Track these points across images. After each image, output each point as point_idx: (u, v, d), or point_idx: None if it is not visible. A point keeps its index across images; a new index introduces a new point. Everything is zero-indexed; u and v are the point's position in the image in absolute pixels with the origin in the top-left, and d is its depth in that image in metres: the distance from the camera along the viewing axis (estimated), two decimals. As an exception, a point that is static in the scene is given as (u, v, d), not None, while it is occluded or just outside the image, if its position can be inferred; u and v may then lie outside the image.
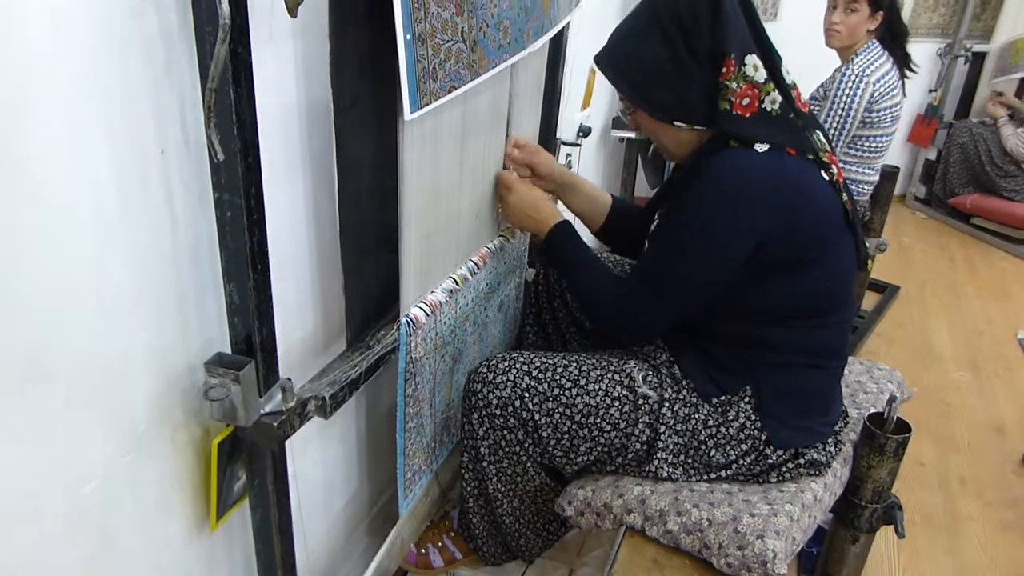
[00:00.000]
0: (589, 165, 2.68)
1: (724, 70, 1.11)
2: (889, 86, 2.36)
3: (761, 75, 1.11)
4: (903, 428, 1.28)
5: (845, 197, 1.19)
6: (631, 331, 1.28)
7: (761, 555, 1.12)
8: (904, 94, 2.43)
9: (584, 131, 2.36)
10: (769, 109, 1.13)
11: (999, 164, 3.85)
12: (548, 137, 1.74)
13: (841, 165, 1.80)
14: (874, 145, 2.44)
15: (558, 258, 1.38)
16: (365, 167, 1.11)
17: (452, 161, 1.22)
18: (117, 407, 0.86)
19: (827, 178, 1.16)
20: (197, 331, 0.95)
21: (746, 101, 1.12)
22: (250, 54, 0.80)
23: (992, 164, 3.88)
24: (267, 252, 0.90)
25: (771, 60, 1.13)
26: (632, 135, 2.75)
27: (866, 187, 2.52)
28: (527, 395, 1.27)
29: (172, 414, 0.94)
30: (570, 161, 2.25)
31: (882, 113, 2.38)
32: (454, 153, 1.22)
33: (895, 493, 1.36)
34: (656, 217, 1.35)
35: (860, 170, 2.49)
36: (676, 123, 1.18)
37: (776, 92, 1.13)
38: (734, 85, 1.11)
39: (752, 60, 1.11)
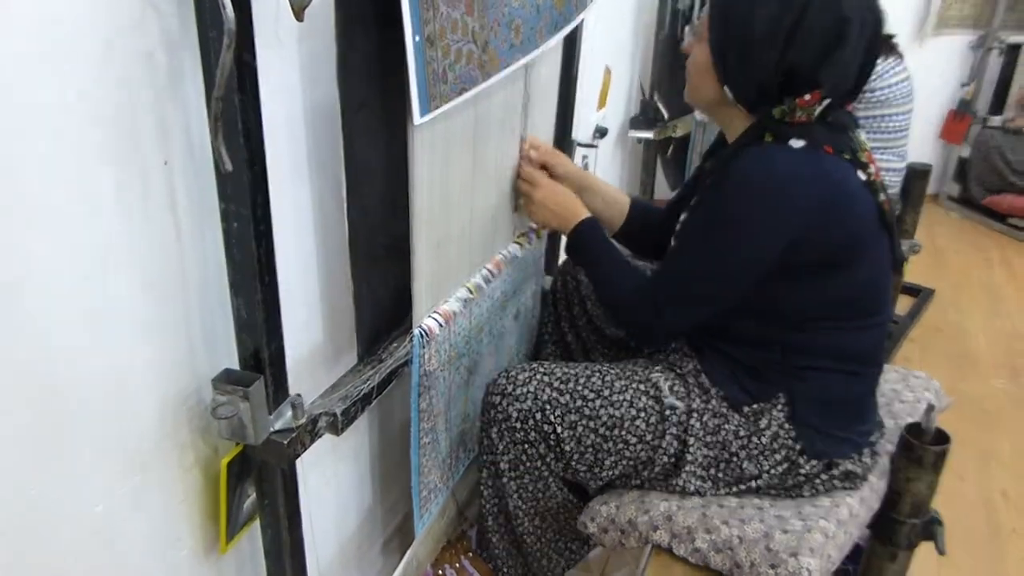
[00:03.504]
0: (606, 167, 2.67)
1: (806, 96, 1.10)
2: (891, 64, 2.35)
3: (822, 107, 1.11)
4: (942, 439, 1.26)
5: (882, 197, 1.18)
6: (655, 330, 1.28)
7: (795, 574, 1.10)
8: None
9: (600, 132, 2.36)
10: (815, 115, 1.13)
11: (1019, 170, 3.84)
12: (563, 139, 1.74)
13: None
14: (891, 125, 2.42)
15: (582, 254, 1.39)
16: (374, 173, 1.11)
17: (464, 166, 1.22)
18: (122, 427, 0.87)
19: (864, 177, 1.15)
20: (203, 347, 0.95)
21: (802, 117, 1.13)
22: (256, 60, 0.80)
23: (1012, 171, 3.86)
24: (275, 264, 0.90)
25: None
26: (650, 135, 2.75)
27: (895, 177, 2.50)
28: (548, 407, 1.27)
29: (179, 433, 0.95)
30: (586, 163, 2.25)
31: (889, 90, 2.36)
32: (466, 157, 1.22)
33: (934, 508, 1.34)
34: (682, 214, 1.34)
35: (884, 157, 2.47)
36: (726, 88, 1.17)
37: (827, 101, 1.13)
38: (800, 114, 1.12)
39: (831, 102, 1.11)
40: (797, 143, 1.12)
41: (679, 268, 1.23)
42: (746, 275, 1.17)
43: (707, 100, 1.22)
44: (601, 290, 1.37)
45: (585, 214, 1.40)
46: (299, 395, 0.99)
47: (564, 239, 1.47)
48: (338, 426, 1.05)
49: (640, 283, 1.29)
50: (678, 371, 1.30)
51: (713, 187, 1.18)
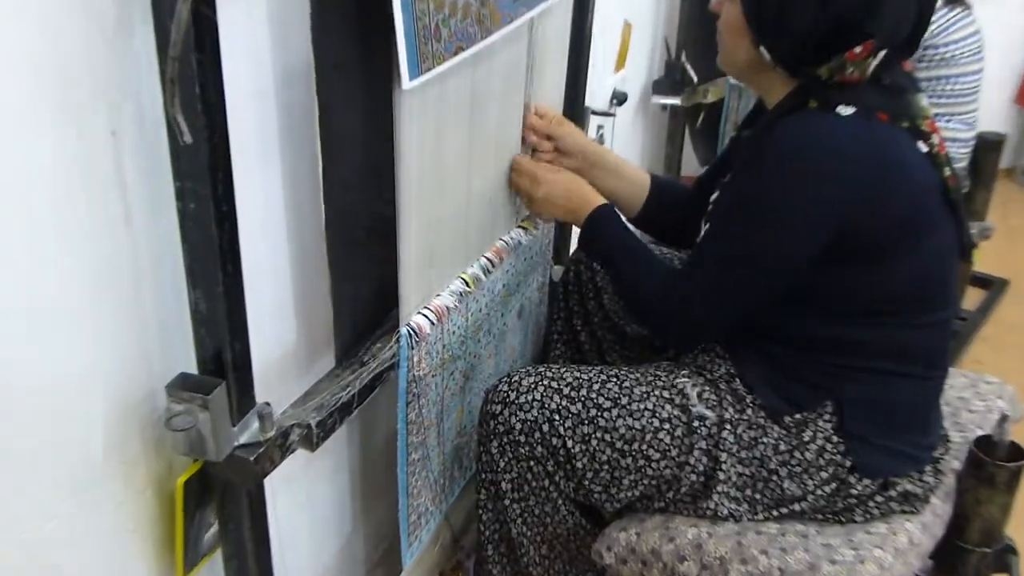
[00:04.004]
0: (625, 139, 2.67)
1: (857, 49, 1.10)
2: (957, 15, 2.34)
3: (877, 61, 1.12)
4: (1017, 454, 1.26)
5: (947, 172, 1.18)
6: (685, 331, 1.28)
7: (845, 611, 1.11)
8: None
9: (619, 98, 2.36)
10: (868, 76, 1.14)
11: None
12: (575, 106, 1.74)
13: None
14: (958, 87, 2.42)
15: (598, 247, 1.39)
16: (355, 146, 1.11)
17: (460, 137, 1.22)
18: (61, 441, 0.87)
19: (925, 149, 1.15)
20: (156, 348, 0.95)
21: (853, 74, 1.13)
22: (216, 14, 0.80)
23: None
24: (239, 250, 0.90)
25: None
26: (677, 101, 2.75)
27: (962, 148, 2.49)
28: (557, 418, 1.27)
29: (128, 448, 0.95)
30: (602, 134, 2.25)
31: (955, 46, 2.36)
32: (462, 127, 1.22)
33: (1008, 534, 1.34)
34: (714, 194, 1.35)
35: (950, 125, 2.46)
36: (762, 48, 1.17)
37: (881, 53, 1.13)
38: (851, 70, 1.12)
39: (885, 54, 1.11)
40: (846, 110, 1.12)
41: (711, 257, 1.23)
42: (789, 263, 1.17)
43: (742, 65, 1.22)
44: (621, 288, 1.37)
45: (598, 201, 1.40)
46: (267, 404, 0.99)
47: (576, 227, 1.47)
48: (313, 440, 1.05)
49: (666, 276, 1.29)
50: (708, 375, 1.30)
51: (749, 162, 1.18)
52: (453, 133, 1.19)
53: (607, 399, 1.28)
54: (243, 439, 0.97)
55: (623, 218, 1.42)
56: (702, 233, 1.29)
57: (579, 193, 1.42)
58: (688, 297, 1.24)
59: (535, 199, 1.43)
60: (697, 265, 1.25)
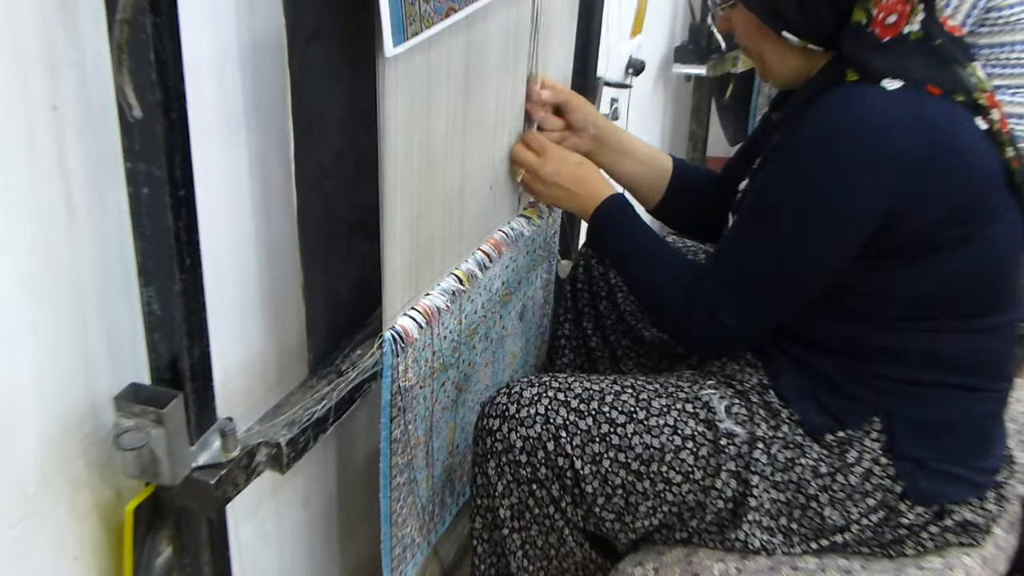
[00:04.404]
0: (643, 114, 2.67)
1: None
2: None
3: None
4: (1093, 477, 1.26)
5: (1010, 152, 1.18)
6: (712, 339, 1.29)
7: (894, 657, 1.11)
8: None
9: (635, 67, 2.36)
10: (907, 31, 1.13)
11: None
12: (586, 77, 1.74)
13: None
14: (1015, 57, 2.41)
15: (608, 244, 1.40)
16: (331, 124, 1.12)
17: (453, 113, 1.22)
18: (-3, 460, 0.87)
19: (984, 126, 1.15)
20: (102, 354, 0.95)
21: (892, 18, 1.13)
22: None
23: None
24: (198, 242, 0.90)
25: None
26: (702, 70, 2.75)
27: (1021, 125, 2.48)
28: (564, 434, 1.27)
29: (71, 469, 0.95)
30: (616, 109, 2.25)
31: (1021, 10, 2.35)
32: (455, 102, 1.22)
33: (1083, 569, 1.34)
34: (744, 180, 1.35)
35: (1015, 100, 2.46)
36: (785, 33, 1.18)
37: (920, 7, 1.13)
38: (889, 17, 1.12)
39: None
40: (892, 83, 1.12)
41: (741, 254, 1.23)
42: (829, 259, 1.17)
43: (790, 70, 1.24)
44: (637, 290, 1.37)
45: (609, 191, 1.40)
46: (230, 419, 0.99)
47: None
48: (283, 460, 1.05)
49: (688, 276, 1.29)
50: (738, 387, 1.30)
51: (783, 144, 1.18)
52: (445, 108, 1.19)
53: (621, 413, 1.28)
54: (202, 459, 0.97)
55: (638, 210, 1.42)
56: (729, 226, 1.29)
57: (589, 179, 1.42)
58: (714, 299, 1.24)
59: (540, 175, 1.43)
60: (724, 263, 1.25)
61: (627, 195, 1.49)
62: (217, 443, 0.99)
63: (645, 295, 1.35)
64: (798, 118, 1.16)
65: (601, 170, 1.56)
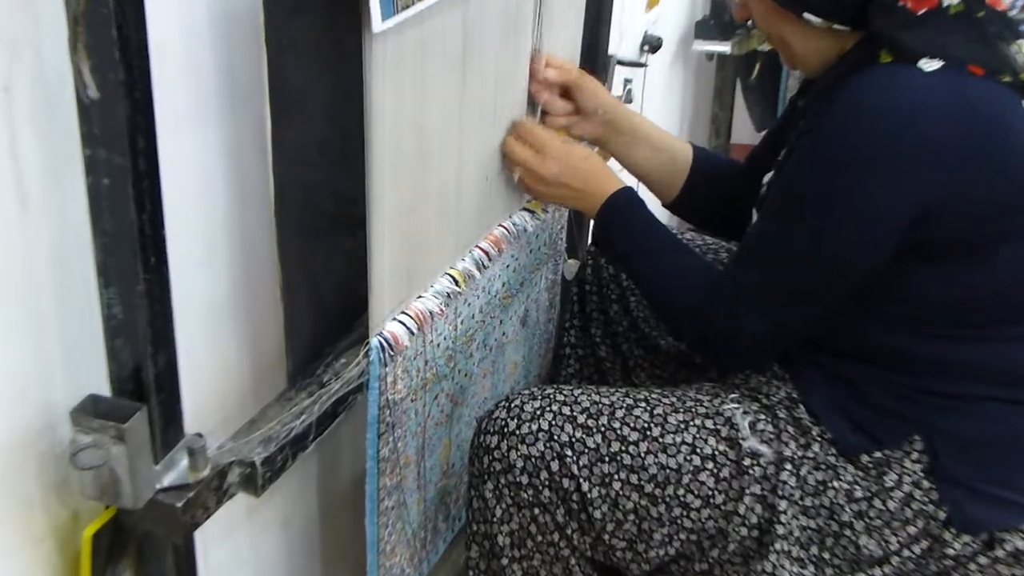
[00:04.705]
0: (660, 96, 2.67)
1: None
2: None
3: None
4: None
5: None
6: (734, 349, 1.29)
7: None
8: None
9: (651, 44, 2.36)
10: (945, 4, 1.13)
11: None
12: (596, 55, 1.74)
13: None
14: None
15: (617, 244, 1.39)
16: (314, 107, 1.12)
17: (448, 95, 1.22)
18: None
19: (1035, 111, 1.16)
20: (58, 363, 0.95)
21: None
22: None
23: None
24: (164, 239, 0.90)
25: None
26: (726, 48, 2.75)
27: None
28: (570, 453, 1.27)
29: (23, 490, 0.95)
30: (630, 91, 2.25)
31: None
32: (451, 82, 1.22)
33: None
34: (768, 173, 1.35)
35: None
36: (807, 15, 1.19)
37: None
38: None
39: None
40: (929, 64, 1.12)
41: (763, 252, 1.24)
42: (860, 257, 1.18)
43: (817, 55, 1.24)
44: (649, 294, 1.37)
45: (618, 184, 1.40)
46: (200, 435, 0.99)
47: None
48: (258, 482, 1.05)
49: (706, 278, 1.29)
50: (764, 401, 1.30)
51: (809, 131, 1.18)
52: (439, 89, 1.19)
53: (634, 430, 1.28)
54: (168, 480, 0.97)
55: (652, 206, 1.42)
56: (752, 223, 1.29)
57: (596, 178, 1.41)
58: (735, 303, 1.24)
59: (541, 178, 1.42)
60: (746, 263, 1.25)
61: (641, 189, 1.50)
62: (185, 462, 0.98)
63: (658, 301, 1.35)
64: (826, 103, 1.16)
65: (613, 160, 1.56)
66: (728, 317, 1.25)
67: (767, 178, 1.33)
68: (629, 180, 1.45)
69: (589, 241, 1.78)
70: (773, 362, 1.33)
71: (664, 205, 1.60)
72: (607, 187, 1.40)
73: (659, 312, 1.38)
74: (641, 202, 1.39)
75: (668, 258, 1.34)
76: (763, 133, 1.75)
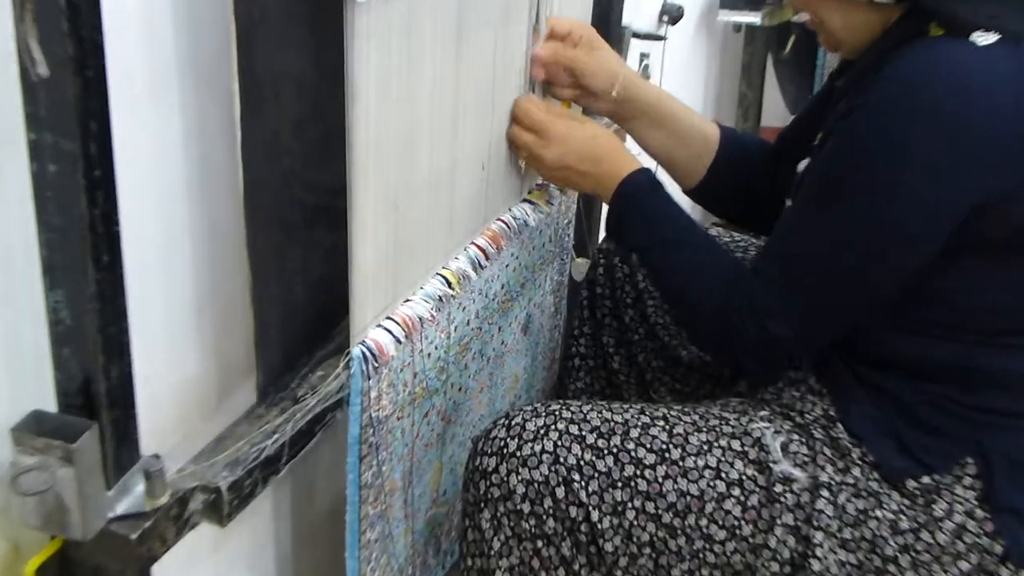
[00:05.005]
0: (681, 74, 2.67)
1: None
2: None
3: None
4: None
5: None
6: (759, 354, 1.29)
7: None
8: None
9: (671, 14, 2.36)
10: None
11: None
12: (608, 26, 1.74)
13: None
14: None
15: (632, 232, 1.40)
16: (288, 86, 1.12)
17: (440, 73, 1.22)
18: None
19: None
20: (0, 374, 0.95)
21: None
22: None
23: None
24: (119, 234, 0.90)
25: None
26: (755, 19, 2.75)
27: None
28: (578, 477, 1.27)
29: (-42, 517, 0.95)
30: (647, 66, 2.25)
31: None
32: (444, 59, 1.22)
33: None
34: (803, 160, 1.35)
35: None
36: None
37: None
38: None
39: None
40: (984, 37, 1.12)
41: (797, 245, 1.24)
42: (906, 254, 1.18)
43: (857, 32, 1.24)
44: (666, 291, 1.36)
45: (633, 166, 1.40)
46: (157, 457, 0.99)
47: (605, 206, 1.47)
48: (223, 510, 1.05)
49: (731, 273, 1.30)
50: (798, 419, 1.30)
51: (850, 112, 1.19)
52: (430, 67, 1.19)
53: (650, 452, 1.28)
54: (122, 508, 0.97)
55: (669, 189, 1.42)
56: (784, 213, 1.29)
57: (608, 157, 1.41)
58: (762, 302, 1.24)
59: (544, 163, 1.43)
60: (776, 258, 1.26)
61: (660, 173, 1.49)
62: (141, 487, 0.98)
63: (676, 296, 1.35)
64: (869, 83, 1.16)
65: (626, 139, 1.56)
66: (753, 317, 1.25)
67: (802, 165, 1.33)
68: (648, 163, 1.45)
69: (601, 238, 1.78)
70: (809, 373, 1.33)
71: (685, 191, 1.60)
72: (619, 169, 1.39)
73: (676, 311, 1.38)
74: (659, 185, 1.39)
75: (687, 250, 1.34)
76: (798, 114, 1.76)
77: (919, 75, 1.13)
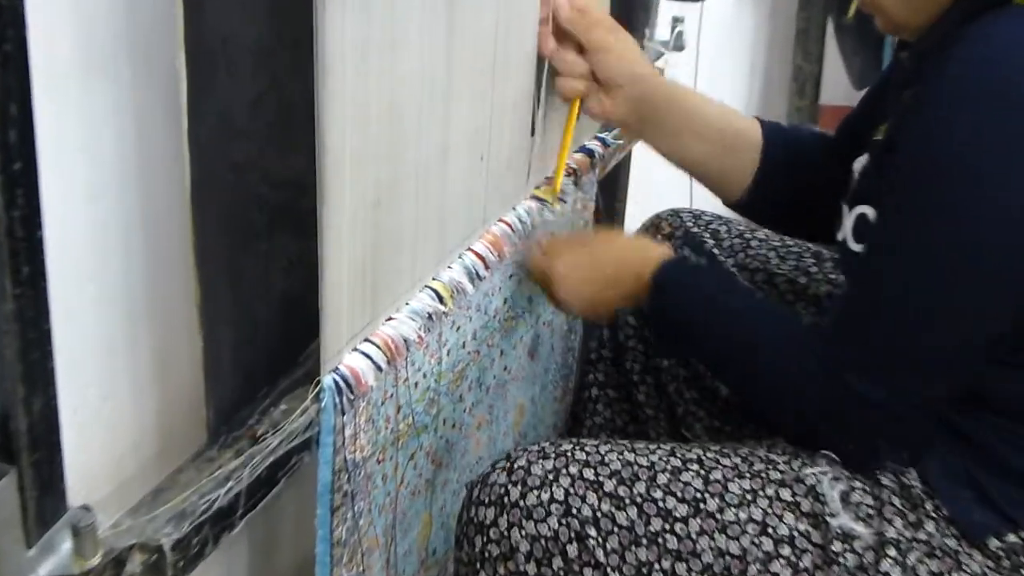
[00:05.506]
0: (722, 44, 2.67)
1: None
2: None
3: None
4: None
5: None
6: (854, 428, 1.29)
7: None
8: None
9: (709, -27, 2.37)
10: None
11: None
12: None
13: None
14: None
15: (681, 336, 1.43)
16: (245, 60, 1.12)
17: (430, 45, 1.22)
18: None
19: None
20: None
21: None
22: None
23: None
24: (42, 240, 0.90)
25: None
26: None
27: None
28: (594, 533, 1.28)
29: None
30: (680, 35, 2.25)
31: None
32: (434, 31, 1.22)
33: None
34: (857, 160, 1.36)
35: None
36: None
37: None
38: None
39: None
40: None
41: (881, 288, 1.24)
42: (1015, 273, 1.18)
43: (920, 10, 1.25)
44: (738, 387, 1.39)
45: (653, 264, 1.41)
46: (88, 508, 0.99)
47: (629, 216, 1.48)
48: (166, 572, 1.05)
49: (804, 331, 1.32)
50: (860, 465, 1.31)
51: (921, 108, 1.19)
52: (418, 41, 1.20)
53: (682, 502, 1.28)
54: (46, 569, 0.97)
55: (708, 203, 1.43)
56: (843, 223, 1.29)
57: (626, 265, 1.44)
58: (846, 360, 1.24)
59: (573, 311, 1.50)
60: (855, 300, 1.26)
61: (679, 183, 1.50)
62: (68, 545, 0.98)
63: (749, 388, 1.38)
64: (941, 60, 1.17)
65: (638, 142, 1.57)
66: (836, 381, 1.25)
67: (859, 164, 1.34)
68: (669, 179, 1.45)
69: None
70: (925, 439, 1.32)
71: (729, 205, 1.61)
72: (642, 265, 1.42)
73: (758, 404, 1.39)
74: (693, 269, 1.43)
75: (745, 322, 1.35)
76: (865, 91, 1.76)
77: (1000, 55, 1.14)
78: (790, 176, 1.56)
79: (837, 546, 1.25)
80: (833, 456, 1.32)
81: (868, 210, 1.29)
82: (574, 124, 1.60)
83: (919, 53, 1.26)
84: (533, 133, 1.48)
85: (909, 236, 1.23)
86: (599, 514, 1.28)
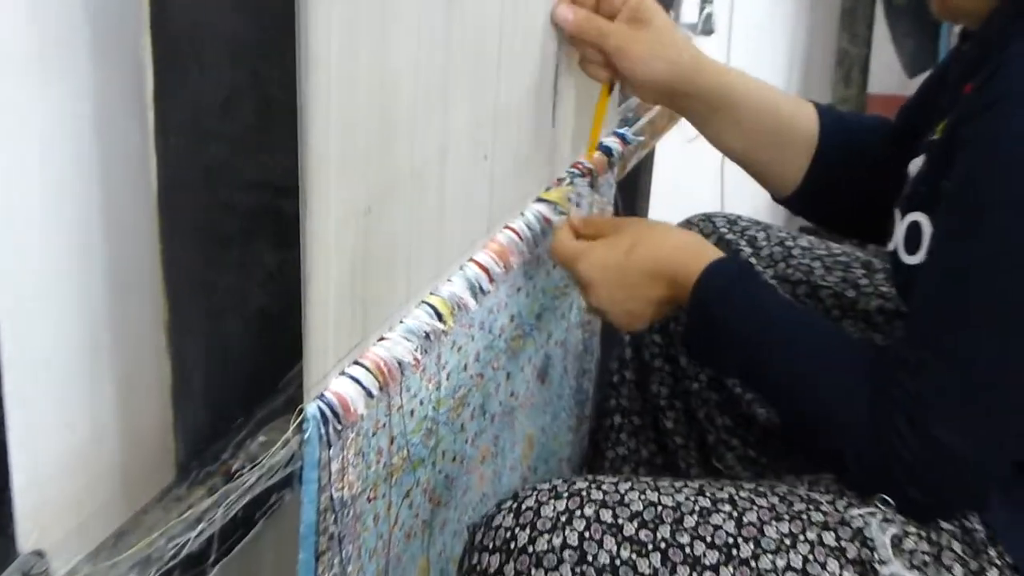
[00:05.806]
0: (755, 26, 2.68)
1: None
2: None
3: None
4: None
5: None
6: (929, 481, 1.27)
7: None
8: None
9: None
10: None
11: None
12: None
13: None
14: None
15: (718, 350, 1.42)
16: (218, 51, 1.12)
17: (426, 33, 1.23)
18: None
19: None
20: None
21: None
22: None
23: None
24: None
25: None
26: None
27: None
28: (611, 584, 1.28)
29: None
30: (709, 17, 2.25)
31: None
32: (432, 14, 1.23)
33: None
34: (912, 162, 1.36)
35: None
36: None
37: None
38: None
39: None
40: None
41: (953, 321, 1.24)
42: None
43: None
44: (785, 416, 1.39)
45: (700, 267, 1.41)
46: (40, 554, 0.99)
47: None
48: (130, 626, 1.05)
49: (870, 368, 1.30)
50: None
51: (984, 111, 1.19)
52: (415, 25, 1.20)
53: (712, 547, 1.28)
54: (-7, 623, 0.98)
55: (754, 201, 1.43)
56: (925, 275, 1.29)
57: (660, 276, 1.44)
58: (919, 403, 1.23)
59: (595, 311, 1.49)
60: (925, 334, 1.26)
61: (721, 171, 1.50)
62: (17, 595, 0.99)
63: (796, 420, 1.38)
64: (1000, 56, 1.17)
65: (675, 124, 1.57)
66: (910, 427, 1.24)
67: (914, 166, 1.33)
68: (721, 169, 1.45)
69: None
70: (989, 489, 1.31)
71: (779, 201, 1.61)
72: (684, 272, 1.42)
73: (794, 423, 1.40)
74: (743, 276, 1.41)
75: (799, 344, 1.35)
76: (919, 78, 1.75)
77: None
78: (847, 170, 1.56)
79: (889, 598, 1.25)
80: (888, 499, 1.31)
81: (922, 218, 1.28)
82: (604, 112, 1.60)
83: (982, 41, 1.25)
84: (554, 125, 1.48)
85: (976, 260, 1.22)
86: (618, 561, 1.27)
